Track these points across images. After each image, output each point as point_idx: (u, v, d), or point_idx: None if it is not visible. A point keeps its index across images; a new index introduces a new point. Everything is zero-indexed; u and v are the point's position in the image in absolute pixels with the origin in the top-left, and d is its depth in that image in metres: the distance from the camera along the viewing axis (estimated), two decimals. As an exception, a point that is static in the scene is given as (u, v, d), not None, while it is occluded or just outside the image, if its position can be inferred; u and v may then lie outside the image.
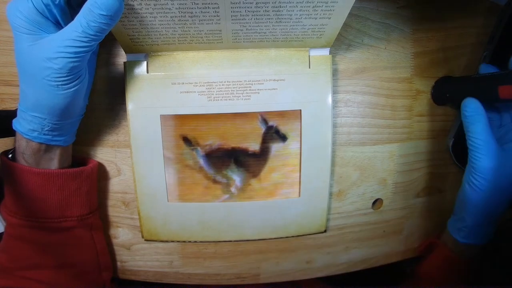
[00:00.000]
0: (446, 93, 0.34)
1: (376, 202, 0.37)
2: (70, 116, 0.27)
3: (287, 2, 0.25)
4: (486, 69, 0.32)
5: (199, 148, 0.32)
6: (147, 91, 0.30)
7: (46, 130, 0.26)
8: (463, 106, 0.30)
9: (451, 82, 0.34)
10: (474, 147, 0.29)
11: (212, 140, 0.32)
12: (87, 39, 0.23)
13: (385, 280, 0.41)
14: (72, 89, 0.25)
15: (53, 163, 0.28)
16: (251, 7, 0.25)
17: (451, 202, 0.34)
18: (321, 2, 0.25)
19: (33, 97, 0.25)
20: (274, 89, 0.31)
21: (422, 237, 0.39)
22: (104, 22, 0.22)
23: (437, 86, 0.35)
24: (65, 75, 0.23)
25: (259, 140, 0.32)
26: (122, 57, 0.31)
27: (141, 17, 0.25)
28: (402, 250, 0.39)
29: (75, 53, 0.23)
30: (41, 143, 0.27)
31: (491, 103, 0.31)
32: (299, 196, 0.34)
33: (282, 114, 0.32)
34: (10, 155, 0.29)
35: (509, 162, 0.29)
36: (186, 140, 0.32)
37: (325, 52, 0.31)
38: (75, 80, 0.25)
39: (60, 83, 0.24)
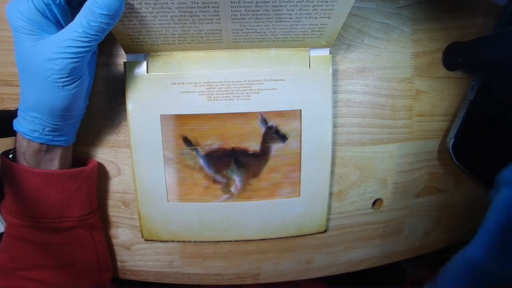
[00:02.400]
0: (458, 57, 0.34)
1: (376, 202, 0.37)
2: (71, 117, 0.27)
3: (287, 2, 0.25)
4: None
5: (199, 148, 0.32)
6: (147, 91, 0.30)
7: (47, 131, 0.26)
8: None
9: (463, 46, 0.34)
10: None
11: (212, 140, 0.32)
12: (88, 39, 0.23)
13: (385, 280, 0.41)
14: (73, 90, 0.25)
15: (54, 163, 0.28)
16: (251, 7, 0.25)
17: (451, 202, 0.34)
18: (321, 1, 0.25)
19: (33, 98, 0.25)
20: (274, 89, 0.31)
21: (422, 237, 0.39)
22: (104, 21, 0.22)
23: (449, 51, 0.35)
24: (66, 75, 0.23)
25: (259, 140, 0.32)
26: (122, 57, 0.31)
27: (141, 16, 0.25)
28: (402, 250, 0.39)
29: (76, 53, 0.23)
30: (42, 144, 0.27)
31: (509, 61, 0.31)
32: (299, 196, 0.34)
33: (282, 114, 0.32)
34: (10, 155, 0.29)
35: None
36: (186, 140, 0.32)
37: (325, 52, 0.31)
38: (76, 81, 0.25)
39: (61, 84, 0.24)
